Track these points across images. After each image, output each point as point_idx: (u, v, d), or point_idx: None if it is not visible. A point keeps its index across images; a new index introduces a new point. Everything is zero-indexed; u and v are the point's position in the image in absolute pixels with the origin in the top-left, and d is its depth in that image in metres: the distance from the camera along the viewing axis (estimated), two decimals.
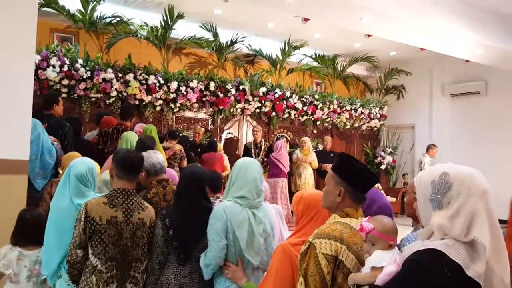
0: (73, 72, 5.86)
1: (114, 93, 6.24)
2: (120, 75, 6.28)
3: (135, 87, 6.34)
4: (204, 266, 2.24)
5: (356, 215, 1.76)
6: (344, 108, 9.11)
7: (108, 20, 6.70)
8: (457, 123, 9.24)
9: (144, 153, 2.75)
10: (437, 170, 1.44)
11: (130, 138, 3.75)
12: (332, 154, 7.78)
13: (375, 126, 9.94)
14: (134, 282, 2.21)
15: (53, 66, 5.69)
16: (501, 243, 1.34)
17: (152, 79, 6.52)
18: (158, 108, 6.79)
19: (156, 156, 2.73)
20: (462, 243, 1.34)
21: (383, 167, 9.60)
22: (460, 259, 1.31)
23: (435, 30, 5.84)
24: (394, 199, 8.51)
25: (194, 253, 2.29)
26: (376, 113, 9.75)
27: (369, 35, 6.61)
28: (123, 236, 2.19)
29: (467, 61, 7.70)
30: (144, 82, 6.49)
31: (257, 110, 7.90)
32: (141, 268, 2.26)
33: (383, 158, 9.60)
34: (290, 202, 7.59)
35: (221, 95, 7.29)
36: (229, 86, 7.37)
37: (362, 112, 9.45)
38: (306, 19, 6.01)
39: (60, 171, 3.40)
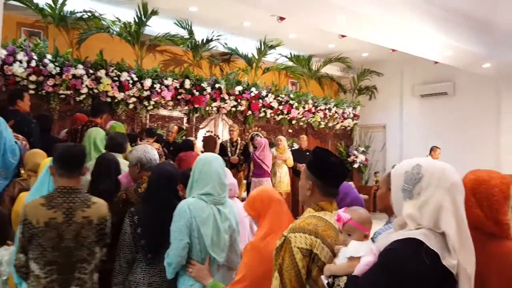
0: (41, 67, 5.67)
1: (84, 90, 6.08)
2: (91, 71, 6.12)
3: (107, 84, 6.20)
4: (167, 265, 2.19)
5: (331, 209, 1.77)
6: (318, 108, 9.21)
7: (79, 15, 6.52)
8: (426, 123, 9.50)
9: (141, 147, 2.72)
10: (412, 161, 1.48)
11: (93, 134, 3.57)
12: (307, 153, 7.82)
13: (349, 126, 10.09)
14: (80, 284, 2.07)
15: (20, 61, 5.48)
16: (466, 235, 1.38)
17: (125, 76, 6.39)
18: (131, 106, 6.66)
19: (154, 153, 2.68)
20: (436, 233, 1.37)
21: (356, 165, 9.76)
22: (437, 248, 1.34)
23: (406, 31, 5.97)
24: (366, 197, 8.66)
25: (164, 251, 2.22)
26: (350, 113, 9.91)
27: (342, 36, 6.70)
28: (64, 238, 2.04)
29: (436, 62, 7.91)
30: (116, 79, 6.35)
31: (233, 109, 7.87)
32: (88, 269, 2.11)
33: (356, 157, 9.76)
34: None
35: (197, 93, 7.23)
36: (204, 84, 7.31)
37: (336, 112, 9.58)
38: (281, 18, 6.03)
39: (22, 171, 3.25)
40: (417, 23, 5.83)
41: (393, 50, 7.35)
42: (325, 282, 1.51)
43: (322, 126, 9.48)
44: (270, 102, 8.30)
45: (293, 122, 8.93)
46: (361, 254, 1.46)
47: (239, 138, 7.37)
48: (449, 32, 6.22)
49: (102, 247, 2.19)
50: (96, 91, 6.18)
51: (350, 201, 2.05)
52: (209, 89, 7.36)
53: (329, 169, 1.77)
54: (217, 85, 7.50)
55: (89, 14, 6.56)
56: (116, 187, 2.67)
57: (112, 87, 6.27)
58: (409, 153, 8.78)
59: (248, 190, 7.26)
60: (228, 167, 3.30)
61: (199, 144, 6.84)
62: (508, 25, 6.65)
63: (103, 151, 3.40)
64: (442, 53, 6.88)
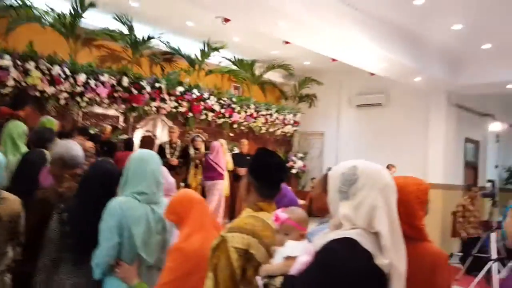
0: None
1: (11, 83, 5.61)
2: (19, 63, 5.68)
3: (37, 77, 5.78)
4: (94, 265, 2.09)
5: (269, 210, 1.77)
6: (260, 113, 9.28)
7: (7, 2, 6.03)
8: (361, 132, 9.94)
9: (64, 142, 2.52)
10: (348, 164, 1.53)
11: (10, 128, 3.28)
12: (248, 157, 7.84)
13: (289, 132, 10.27)
14: None
15: None
16: (398, 235, 1.43)
17: (56, 70, 6.00)
18: (62, 102, 6.25)
19: (77, 149, 2.48)
20: (370, 233, 1.40)
21: (294, 171, 9.94)
22: (370, 248, 1.37)
23: (345, 42, 6.18)
24: (303, 202, 8.83)
25: (92, 252, 2.11)
26: (290, 119, 10.09)
27: (286, 42, 6.80)
28: None
29: (372, 74, 8.28)
30: (47, 72, 5.94)
31: (173, 110, 7.68)
32: None
33: (294, 163, 9.95)
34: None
35: (135, 92, 6.96)
36: (144, 83, 7.06)
37: (277, 118, 9.71)
38: (226, 20, 5.99)
39: None
40: (356, 35, 6.07)
41: (333, 60, 7.59)
42: (260, 283, 1.50)
43: (263, 131, 9.56)
44: (212, 105, 8.22)
45: (235, 126, 8.91)
46: (298, 253, 1.46)
47: (178, 140, 7.24)
48: (385, 45, 6.54)
49: (14, 246, 2.02)
50: (24, 84, 5.74)
51: (287, 201, 2.09)
52: (148, 88, 7.12)
53: (264, 171, 1.78)
54: (157, 85, 7.28)
55: (19, 2, 6.09)
56: (37, 186, 2.47)
57: (42, 81, 5.86)
58: (345, 160, 9.04)
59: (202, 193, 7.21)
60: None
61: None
62: (437, 41, 7.14)
63: (22, 146, 3.14)
64: (378, 65, 7.21)
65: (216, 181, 7.09)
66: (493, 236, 6.00)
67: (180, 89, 7.62)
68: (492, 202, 6.56)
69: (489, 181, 6.83)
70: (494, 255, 5.83)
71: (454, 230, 8.24)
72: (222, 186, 7.18)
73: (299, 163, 10.03)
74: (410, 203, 1.74)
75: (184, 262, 1.93)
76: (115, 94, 6.78)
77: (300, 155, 10.22)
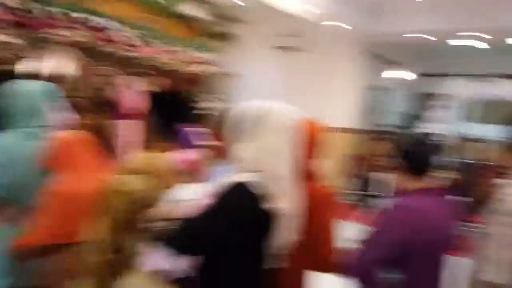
0: None
1: None
2: None
3: None
4: None
5: (166, 150, 1.73)
6: (173, 49, 8.68)
7: None
8: (278, 75, 9.91)
9: None
10: (248, 104, 1.52)
11: None
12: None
13: (204, 71, 9.84)
14: None
15: None
16: (292, 178, 1.48)
17: None
18: None
19: None
20: (265, 176, 1.41)
21: (207, 112, 9.68)
22: (263, 191, 1.40)
23: None
24: (210, 143, 8.72)
25: None
26: (207, 58, 9.64)
27: None
28: None
29: (290, 15, 8.06)
30: None
31: (70, 38, 6.77)
32: None
33: (208, 104, 9.68)
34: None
35: (25, 15, 5.97)
36: (35, 5, 6.08)
37: (192, 55, 9.20)
38: None
39: None
40: None
41: None
42: (152, 225, 1.49)
43: (175, 69, 9.00)
44: (115, 36, 7.40)
45: (142, 62, 8.20)
46: (194, 197, 1.48)
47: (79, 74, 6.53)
48: None
49: None
50: None
51: (187, 145, 2.08)
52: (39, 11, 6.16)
53: (160, 109, 1.73)
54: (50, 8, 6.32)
55: None
56: None
57: None
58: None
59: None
60: None
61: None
62: None
63: None
64: (297, 6, 7.01)
65: (122, 120, 6.67)
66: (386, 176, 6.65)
67: (76, 15, 6.70)
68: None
69: (387, 126, 7.37)
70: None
71: (352, 171, 8.94)
72: (130, 126, 6.81)
73: (213, 105, 9.77)
74: (304, 143, 1.79)
75: (62, 203, 1.86)
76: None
77: (215, 96, 9.94)
